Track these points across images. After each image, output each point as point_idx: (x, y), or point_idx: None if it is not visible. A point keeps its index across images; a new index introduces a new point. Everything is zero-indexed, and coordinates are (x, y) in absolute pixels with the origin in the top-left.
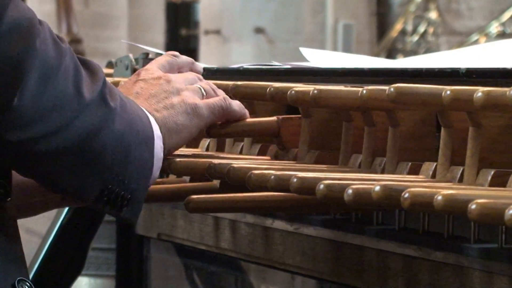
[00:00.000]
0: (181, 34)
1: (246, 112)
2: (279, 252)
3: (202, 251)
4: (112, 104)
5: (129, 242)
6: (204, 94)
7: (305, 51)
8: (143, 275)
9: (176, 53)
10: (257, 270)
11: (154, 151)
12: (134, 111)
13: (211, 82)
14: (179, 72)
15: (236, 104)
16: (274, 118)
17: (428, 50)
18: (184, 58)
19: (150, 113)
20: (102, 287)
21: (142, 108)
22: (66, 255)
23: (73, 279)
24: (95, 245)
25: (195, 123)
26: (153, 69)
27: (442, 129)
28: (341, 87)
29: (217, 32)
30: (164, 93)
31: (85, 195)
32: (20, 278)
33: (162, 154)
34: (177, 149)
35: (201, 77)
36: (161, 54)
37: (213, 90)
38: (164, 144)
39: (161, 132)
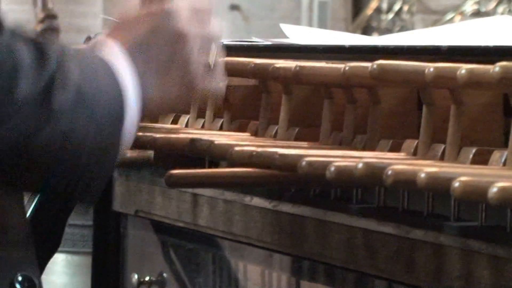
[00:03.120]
0: None
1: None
2: (258, 230)
3: (180, 228)
4: (56, 103)
5: (106, 218)
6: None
7: (285, 27)
8: (120, 252)
9: None
10: (235, 248)
11: (119, 144)
12: (96, 93)
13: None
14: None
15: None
16: None
17: (403, 28)
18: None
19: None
20: (79, 264)
21: (115, 72)
22: (43, 232)
23: (50, 255)
24: (72, 222)
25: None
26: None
27: (424, 107)
28: (323, 64)
29: None
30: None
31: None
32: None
33: (134, 131)
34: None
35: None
36: None
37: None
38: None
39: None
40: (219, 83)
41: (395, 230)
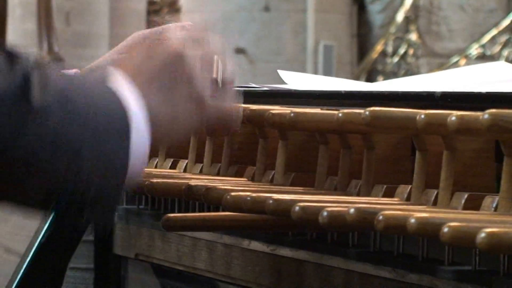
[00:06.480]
0: None
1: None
2: (256, 273)
3: (179, 271)
4: (35, 102)
5: (107, 262)
6: None
7: (283, 73)
8: None
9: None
10: None
11: (126, 160)
12: (89, 103)
13: None
14: None
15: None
16: None
17: (408, 72)
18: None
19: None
20: None
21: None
22: (45, 275)
23: None
24: (73, 265)
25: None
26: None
27: (417, 153)
28: (317, 110)
29: None
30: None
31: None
32: None
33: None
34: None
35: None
36: None
37: None
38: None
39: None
40: (230, 100)
41: (391, 274)
